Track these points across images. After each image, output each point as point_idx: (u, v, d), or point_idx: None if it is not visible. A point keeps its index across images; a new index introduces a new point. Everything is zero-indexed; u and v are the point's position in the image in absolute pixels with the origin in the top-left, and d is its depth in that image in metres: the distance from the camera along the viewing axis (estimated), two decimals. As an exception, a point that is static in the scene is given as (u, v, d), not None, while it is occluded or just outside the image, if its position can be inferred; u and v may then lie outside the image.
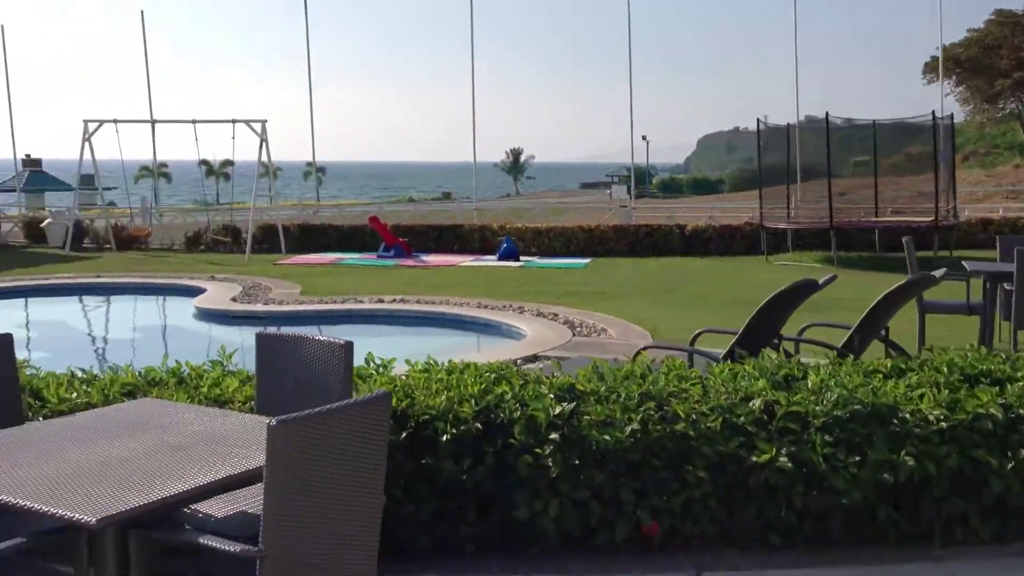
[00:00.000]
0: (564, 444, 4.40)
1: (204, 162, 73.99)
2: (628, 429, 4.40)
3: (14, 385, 4.10)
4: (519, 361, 8.94)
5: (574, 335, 10.16)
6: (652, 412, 4.54)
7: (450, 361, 5.26)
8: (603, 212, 25.53)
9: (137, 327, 13.17)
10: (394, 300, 12.60)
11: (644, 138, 78.93)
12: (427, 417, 4.44)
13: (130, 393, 4.76)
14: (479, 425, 4.46)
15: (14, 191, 34.88)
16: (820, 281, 5.82)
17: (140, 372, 5.08)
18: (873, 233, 19.27)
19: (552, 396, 4.59)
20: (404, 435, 4.36)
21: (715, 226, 20.52)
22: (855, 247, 19.24)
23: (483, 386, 4.74)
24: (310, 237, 21.19)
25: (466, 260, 18.80)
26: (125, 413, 3.87)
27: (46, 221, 21.90)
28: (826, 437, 4.45)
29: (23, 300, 14.12)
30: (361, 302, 12.53)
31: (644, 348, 6.18)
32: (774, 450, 4.38)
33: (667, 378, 4.95)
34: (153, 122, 21.44)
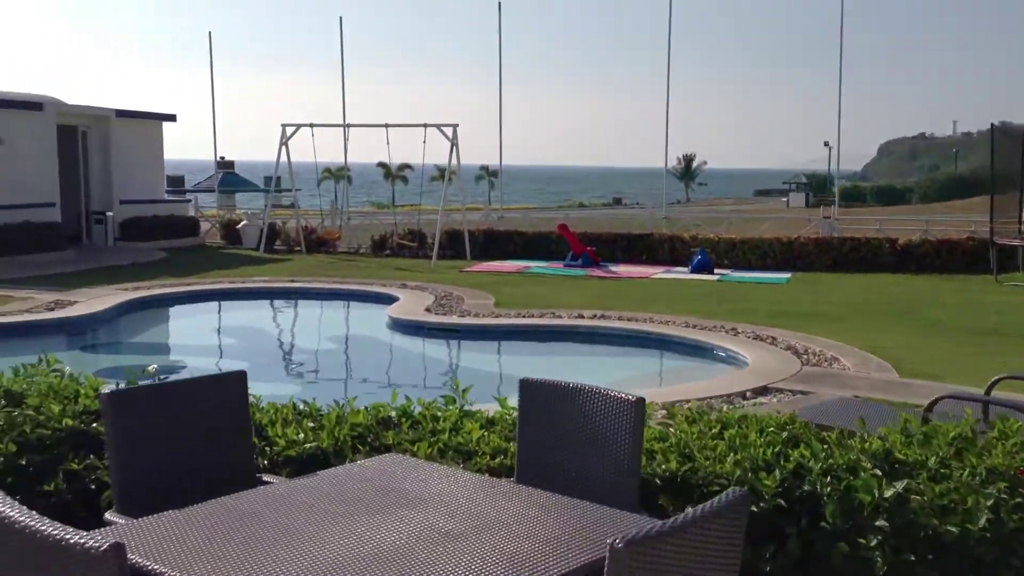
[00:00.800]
0: (894, 533, 3.48)
1: (382, 164, 76.04)
2: (983, 520, 3.44)
3: (247, 431, 3.56)
4: (748, 393, 8.02)
5: (803, 364, 9.10)
6: (1004, 496, 3.56)
7: (722, 410, 4.45)
8: (801, 223, 23.98)
9: (333, 336, 12.97)
10: (594, 316, 11.85)
11: (827, 144, 75.46)
12: (716, 488, 3.63)
13: (360, 436, 4.20)
14: (782, 501, 3.61)
15: (210, 191, 36.50)
16: None
17: (367, 409, 4.51)
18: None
19: (875, 469, 3.68)
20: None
21: (931, 240, 18.73)
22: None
23: (776, 448, 3.89)
24: (494, 243, 20.77)
25: (657, 271, 17.88)
26: (372, 475, 3.24)
27: (242, 223, 22.45)
28: None
29: (224, 304, 14.26)
30: (559, 317, 11.84)
31: (941, 398, 5.14)
32: None
33: (1006, 446, 3.94)
34: (346, 126, 21.61)
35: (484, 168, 76.57)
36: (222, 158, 38.78)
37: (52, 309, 11.88)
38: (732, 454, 3.83)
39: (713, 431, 4.17)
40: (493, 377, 9.49)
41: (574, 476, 3.33)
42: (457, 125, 19.87)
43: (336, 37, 24.88)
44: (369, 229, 23.27)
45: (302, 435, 4.13)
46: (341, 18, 24.81)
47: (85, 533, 1.99)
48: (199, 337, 12.80)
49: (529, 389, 3.53)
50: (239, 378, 3.53)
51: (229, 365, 10.40)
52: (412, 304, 12.85)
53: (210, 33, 26.14)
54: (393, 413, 4.55)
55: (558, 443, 3.41)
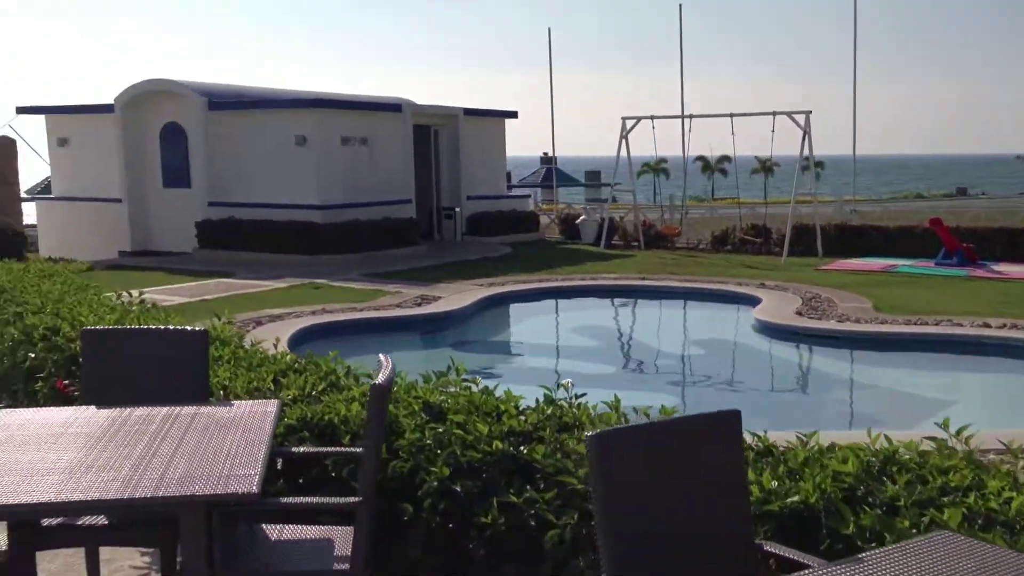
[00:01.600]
0: None
1: (700, 158, 74.67)
2: None
3: (742, 487, 2.86)
4: None
5: None
6: None
7: None
8: None
9: (700, 341, 12.12)
10: (1003, 325, 10.17)
11: None
12: None
13: (850, 489, 3.37)
14: None
15: (536, 187, 37.29)
16: None
17: (842, 451, 3.68)
18: None
19: None
20: None
21: None
22: None
23: None
24: (846, 239, 19.09)
25: (1055, 272, 15.42)
26: (931, 565, 2.40)
27: (580, 218, 22.39)
28: None
29: (578, 301, 14.02)
30: (959, 325, 10.28)
31: None
32: None
33: None
34: (686, 117, 20.78)
35: (806, 158, 72.74)
36: (544, 154, 39.59)
37: (420, 304, 12.16)
38: None
39: None
40: (912, 400, 8.23)
41: None
42: (809, 112, 18.45)
43: (673, 31, 24.16)
44: (707, 224, 22.35)
45: (776, 483, 3.38)
46: (680, 5, 24.02)
47: None
48: (560, 337, 12.58)
49: None
50: (733, 419, 2.85)
51: (598, 371, 9.98)
52: (778, 306, 11.80)
53: (549, 30, 26.46)
54: (872, 457, 3.69)
55: None
